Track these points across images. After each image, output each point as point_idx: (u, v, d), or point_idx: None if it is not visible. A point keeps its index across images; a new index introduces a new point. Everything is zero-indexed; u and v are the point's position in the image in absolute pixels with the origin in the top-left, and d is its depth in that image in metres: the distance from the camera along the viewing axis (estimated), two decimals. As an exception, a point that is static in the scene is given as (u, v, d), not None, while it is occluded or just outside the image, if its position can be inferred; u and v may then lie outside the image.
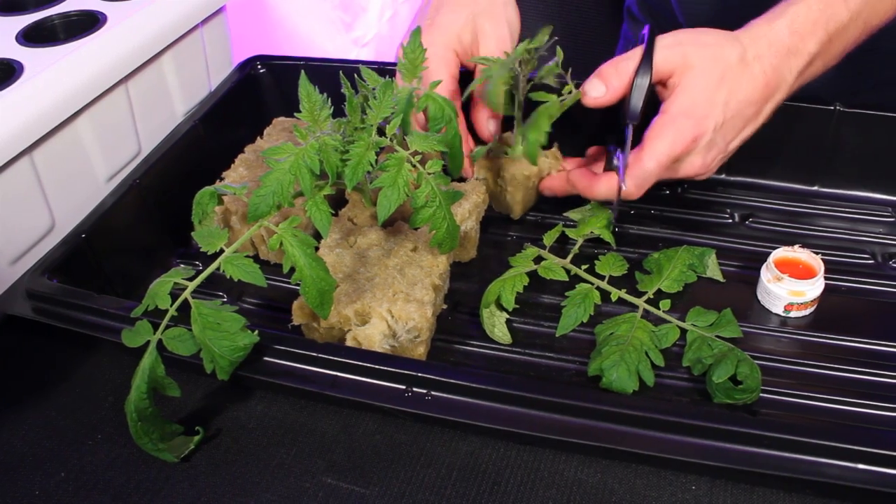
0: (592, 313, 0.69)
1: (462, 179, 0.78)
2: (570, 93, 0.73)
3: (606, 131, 0.76)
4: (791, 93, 0.72)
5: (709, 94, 0.69)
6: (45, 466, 0.60)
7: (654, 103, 0.72)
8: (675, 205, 0.83)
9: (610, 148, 0.73)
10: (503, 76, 0.71)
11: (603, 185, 0.73)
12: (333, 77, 0.69)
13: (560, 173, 0.79)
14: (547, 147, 0.80)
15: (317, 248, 0.59)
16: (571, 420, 0.55)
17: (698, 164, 0.72)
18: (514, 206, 0.81)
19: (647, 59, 0.69)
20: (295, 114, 0.63)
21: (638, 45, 0.71)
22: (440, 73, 0.74)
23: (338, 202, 0.76)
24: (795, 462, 0.52)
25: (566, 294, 0.70)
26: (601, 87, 0.71)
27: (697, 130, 0.69)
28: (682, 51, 0.70)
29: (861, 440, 0.52)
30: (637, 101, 0.70)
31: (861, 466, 0.51)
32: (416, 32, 0.70)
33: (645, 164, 0.69)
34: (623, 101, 0.71)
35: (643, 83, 0.69)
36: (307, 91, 0.62)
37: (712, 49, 0.69)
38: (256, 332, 0.57)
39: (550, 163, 0.81)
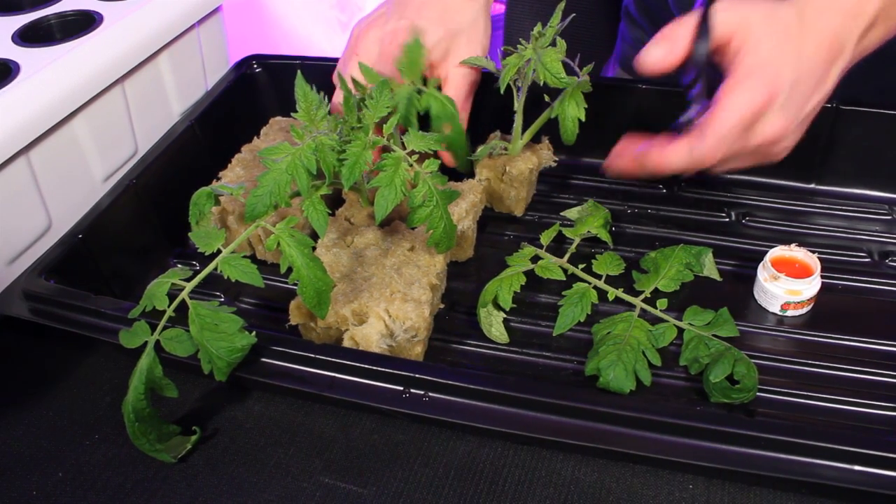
0: (589, 312, 0.69)
1: (461, 178, 0.78)
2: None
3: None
4: (854, 59, 0.68)
5: (777, 52, 0.64)
6: (42, 466, 0.60)
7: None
8: (671, 204, 0.83)
9: (673, 126, 0.68)
10: (515, 62, 0.71)
11: (676, 152, 0.66)
12: (330, 76, 0.69)
13: (625, 150, 0.72)
14: (537, 140, 0.81)
15: (314, 248, 0.59)
16: (569, 421, 0.55)
17: (779, 125, 0.65)
18: (517, 204, 0.81)
19: (705, 22, 0.65)
20: (291, 113, 0.63)
21: (692, 12, 0.66)
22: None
23: (335, 202, 0.76)
24: (792, 463, 0.52)
25: (563, 293, 0.70)
26: (661, 51, 0.66)
27: (773, 86, 0.64)
28: (740, 13, 0.66)
29: (857, 442, 0.52)
30: (700, 55, 0.65)
31: (857, 468, 0.51)
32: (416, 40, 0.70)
33: (722, 119, 0.64)
34: (679, 73, 0.67)
35: (703, 47, 0.65)
36: (304, 91, 0.62)
37: (770, 9, 0.65)
38: (254, 333, 0.57)
39: (549, 154, 0.81)
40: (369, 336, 0.62)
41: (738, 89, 0.64)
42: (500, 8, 2.49)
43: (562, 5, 0.71)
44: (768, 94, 0.64)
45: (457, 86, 0.76)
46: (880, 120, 0.80)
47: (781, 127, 0.65)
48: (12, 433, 0.63)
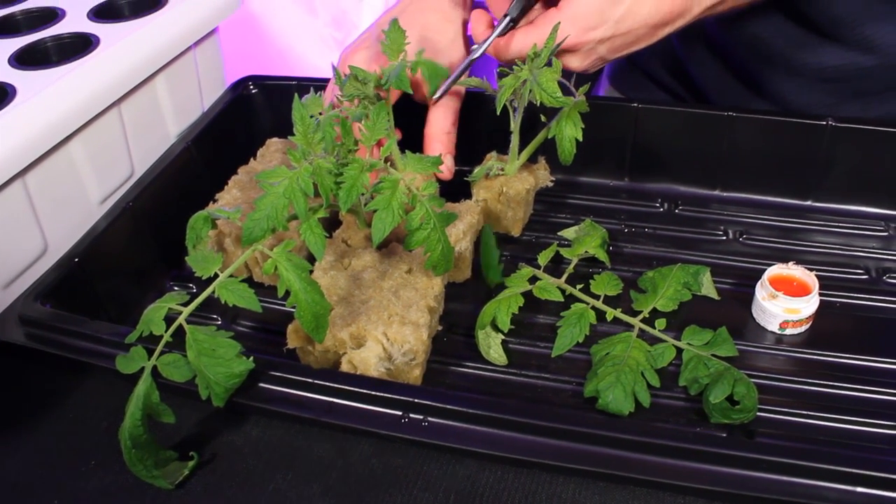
0: (588, 333, 0.69)
1: (458, 199, 0.78)
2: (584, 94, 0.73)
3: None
4: (698, 20, 0.74)
5: (603, 8, 0.70)
6: (38, 493, 0.60)
7: None
8: (668, 222, 0.83)
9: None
10: (512, 83, 0.71)
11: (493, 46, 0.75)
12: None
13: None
14: (533, 160, 0.81)
15: (311, 271, 0.59)
16: (569, 445, 0.55)
17: (574, 65, 0.75)
18: (514, 224, 0.81)
19: None
20: (289, 137, 0.63)
21: None
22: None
23: (332, 223, 0.76)
24: (794, 486, 0.52)
25: (561, 314, 0.70)
26: None
27: (577, 39, 0.71)
28: None
29: (860, 463, 0.52)
30: None
31: (860, 490, 0.51)
32: (395, 22, 0.71)
33: (513, 45, 0.73)
34: None
35: None
36: (301, 114, 0.62)
37: None
38: (252, 358, 0.57)
39: (545, 174, 0.81)
40: (367, 359, 0.62)
41: (546, 24, 0.71)
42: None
43: (557, 25, 0.71)
44: (573, 44, 0.72)
45: (444, 104, 0.78)
46: (875, 137, 0.80)
47: (576, 68, 0.75)
48: (7, 460, 0.63)
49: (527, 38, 0.73)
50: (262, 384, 0.59)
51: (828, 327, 0.70)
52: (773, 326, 0.70)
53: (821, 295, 0.70)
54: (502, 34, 0.74)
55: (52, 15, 0.86)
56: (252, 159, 0.85)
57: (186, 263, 0.63)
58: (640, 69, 1.06)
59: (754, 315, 0.72)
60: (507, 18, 0.74)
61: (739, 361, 0.66)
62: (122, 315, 0.73)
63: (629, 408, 0.62)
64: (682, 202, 0.86)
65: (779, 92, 0.92)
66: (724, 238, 0.81)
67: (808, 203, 0.85)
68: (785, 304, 0.69)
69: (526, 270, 0.74)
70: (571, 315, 0.70)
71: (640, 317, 0.70)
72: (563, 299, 0.72)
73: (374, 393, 0.58)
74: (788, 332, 0.70)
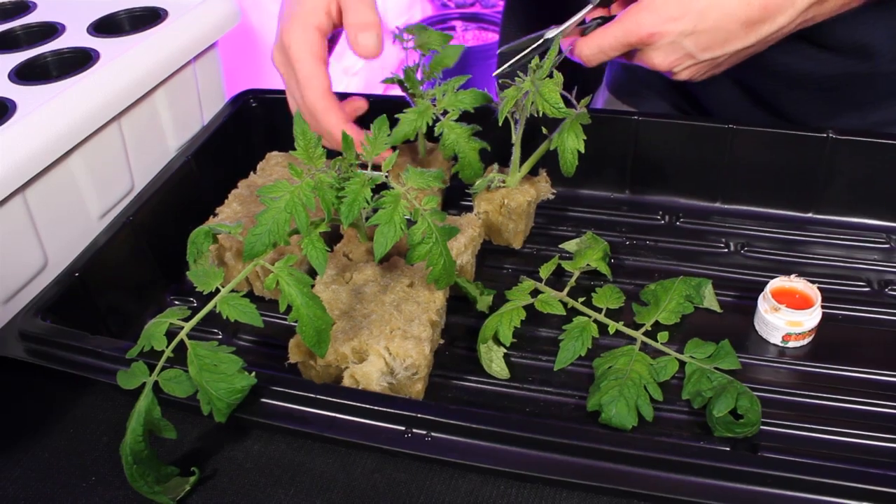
0: (590, 346, 0.69)
1: (460, 211, 0.78)
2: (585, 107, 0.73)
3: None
4: (802, 20, 0.69)
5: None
6: (38, 510, 0.60)
7: None
8: (670, 235, 0.83)
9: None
10: (514, 94, 0.71)
11: (577, 47, 0.74)
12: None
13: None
14: (535, 173, 0.81)
15: (312, 285, 0.59)
16: (573, 460, 0.54)
17: (658, 61, 0.72)
18: (516, 236, 0.81)
19: None
20: (290, 152, 0.63)
21: None
22: (306, 61, 0.74)
23: (333, 237, 0.76)
24: (798, 501, 0.52)
25: (564, 327, 0.70)
26: None
27: (656, 28, 0.69)
28: None
29: (864, 478, 0.51)
30: None
31: (865, 505, 0.51)
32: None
33: (605, 35, 0.71)
34: None
35: None
36: (302, 129, 0.62)
37: None
38: (254, 373, 0.57)
39: (546, 187, 0.81)
40: (369, 374, 0.61)
41: (626, 18, 0.70)
42: (493, 37, 2.51)
43: (558, 38, 0.71)
44: (649, 33, 0.69)
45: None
46: (875, 149, 0.80)
47: (662, 64, 0.72)
48: (8, 475, 0.62)
49: (607, 33, 0.71)
50: (264, 399, 0.59)
51: (830, 340, 0.70)
52: (776, 339, 0.70)
53: (823, 307, 0.70)
54: (581, 22, 0.74)
55: (53, 30, 0.86)
56: (252, 173, 0.85)
57: (187, 277, 0.63)
58: (641, 79, 1.06)
59: (757, 328, 0.71)
60: (590, 6, 0.74)
61: (742, 374, 0.66)
62: (122, 330, 0.73)
63: (632, 422, 0.62)
64: (683, 214, 0.86)
65: (777, 102, 0.92)
66: (726, 250, 0.81)
67: (810, 215, 0.85)
68: (787, 316, 0.69)
69: (528, 283, 0.74)
70: (573, 328, 0.70)
71: (643, 330, 0.70)
72: (564, 312, 0.72)
73: (376, 408, 0.57)
74: (791, 344, 0.70)
